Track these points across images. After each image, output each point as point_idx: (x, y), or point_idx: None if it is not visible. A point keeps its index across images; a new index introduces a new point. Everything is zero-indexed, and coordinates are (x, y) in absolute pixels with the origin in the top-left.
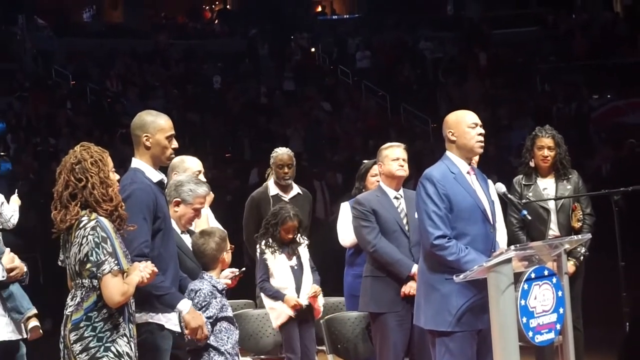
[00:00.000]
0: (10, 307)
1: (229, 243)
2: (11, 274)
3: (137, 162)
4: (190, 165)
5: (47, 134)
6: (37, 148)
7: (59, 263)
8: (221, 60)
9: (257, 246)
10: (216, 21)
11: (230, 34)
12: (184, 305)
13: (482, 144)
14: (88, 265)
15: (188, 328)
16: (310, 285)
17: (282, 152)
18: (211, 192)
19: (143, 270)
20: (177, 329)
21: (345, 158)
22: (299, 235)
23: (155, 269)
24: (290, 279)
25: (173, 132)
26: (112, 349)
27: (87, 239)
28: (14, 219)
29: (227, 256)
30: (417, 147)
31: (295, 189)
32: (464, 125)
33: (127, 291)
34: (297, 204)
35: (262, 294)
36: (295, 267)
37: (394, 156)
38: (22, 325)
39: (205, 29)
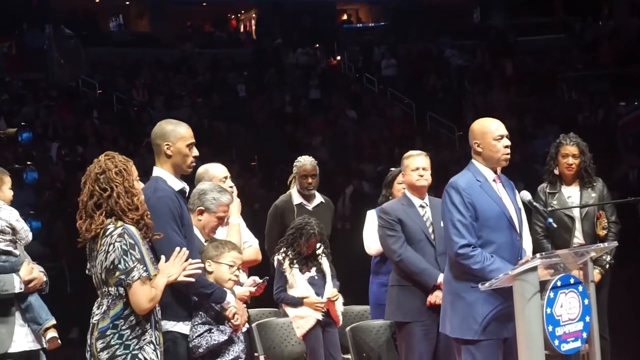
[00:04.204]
0: (29, 318)
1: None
2: (29, 285)
3: (158, 171)
4: (215, 173)
5: (74, 143)
6: (64, 158)
7: (87, 272)
8: (247, 69)
9: (275, 257)
10: (242, 30)
11: (256, 43)
12: (231, 296)
13: (508, 156)
14: (117, 273)
15: (239, 314)
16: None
17: (305, 162)
18: (238, 199)
19: (178, 260)
20: None
21: (371, 166)
22: (321, 248)
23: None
24: (310, 290)
25: (193, 140)
26: (140, 356)
27: (114, 247)
28: (29, 236)
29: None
30: (443, 155)
31: (318, 198)
32: (490, 137)
33: (155, 296)
34: (319, 213)
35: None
36: (317, 277)
37: (413, 166)
38: (41, 335)
39: (231, 38)
